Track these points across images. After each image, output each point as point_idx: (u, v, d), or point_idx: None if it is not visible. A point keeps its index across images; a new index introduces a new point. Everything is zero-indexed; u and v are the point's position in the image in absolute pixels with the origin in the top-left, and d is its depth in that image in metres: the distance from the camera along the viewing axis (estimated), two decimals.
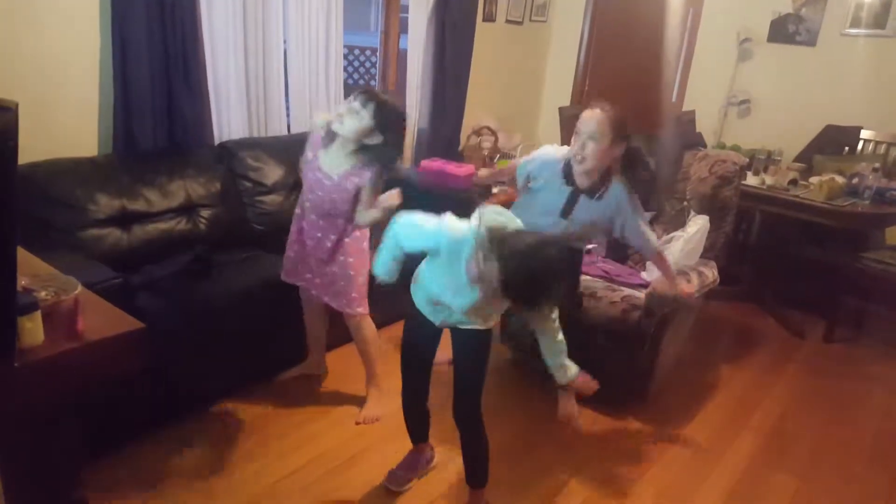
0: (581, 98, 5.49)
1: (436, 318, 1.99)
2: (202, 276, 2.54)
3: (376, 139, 2.32)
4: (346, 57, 8.91)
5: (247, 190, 3.13)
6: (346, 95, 4.02)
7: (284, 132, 3.58)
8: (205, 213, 2.92)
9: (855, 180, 3.61)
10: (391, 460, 2.37)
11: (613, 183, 2.38)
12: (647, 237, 2.45)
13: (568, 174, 2.41)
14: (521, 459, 2.49)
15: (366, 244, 2.54)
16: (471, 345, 2.00)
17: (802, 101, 4.44)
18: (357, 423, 2.62)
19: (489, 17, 4.77)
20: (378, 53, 4.47)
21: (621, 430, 2.74)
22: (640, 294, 2.83)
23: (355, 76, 9.11)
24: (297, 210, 2.59)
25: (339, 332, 3.10)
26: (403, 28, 4.32)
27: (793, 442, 2.77)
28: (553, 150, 2.50)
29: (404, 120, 2.41)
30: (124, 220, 2.63)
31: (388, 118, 2.31)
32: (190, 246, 2.70)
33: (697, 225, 3.01)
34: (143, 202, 2.70)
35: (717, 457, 2.63)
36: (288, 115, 3.65)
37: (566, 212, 2.42)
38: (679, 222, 3.19)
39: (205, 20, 3.02)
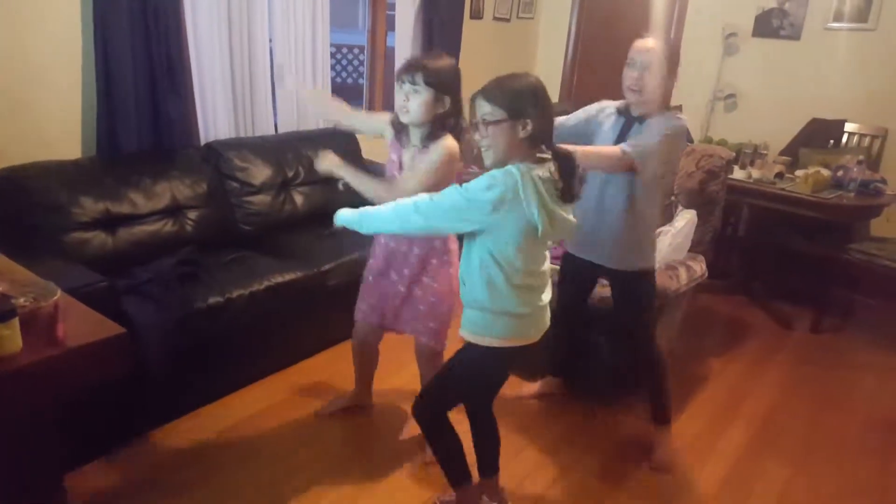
0: (570, 94, 5.50)
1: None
2: (190, 279, 2.52)
3: (446, 104, 2.07)
4: (333, 55, 8.91)
5: (234, 190, 3.12)
6: (334, 94, 4.05)
7: (272, 132, 3.56)
8: (192, 214, 2.90)
9: (840, 173, 3.63)
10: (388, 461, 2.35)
11: (669, 112, 2.27)
12: (639, 141, 2.20)
13: (623, 109, 2.33)
14: (519, 451, 2.50)
15: (454, 270, 2.22)
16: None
17: (788, 95, 4.46)
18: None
19: (476, 15, 4.76)
20: (366, 51, 4.46)
21: (616, 422, 2.75)
22: None
23: (343, 74, 9.10)
24: (380, 239, 2.39)
25: (321, 333, 3.10)
26: (391, 26, 4.31)
27: (784, 431, 2.79)
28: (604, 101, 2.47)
29: (458, 70, 2.13)
30: (109, 223, 2.61)
31: (444, 74, 2.05)
32: (177, 248, 2.69)
33: (685, 219, 3.02)
34: (129, 205, 2.68)
35: (709, 447, 2.64)
36: (275, 115, 3.63)
37: (617, 143, 2.24)
38: (667, 217, 3.19)
39: (189, 19, 3.00)
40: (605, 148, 2.23)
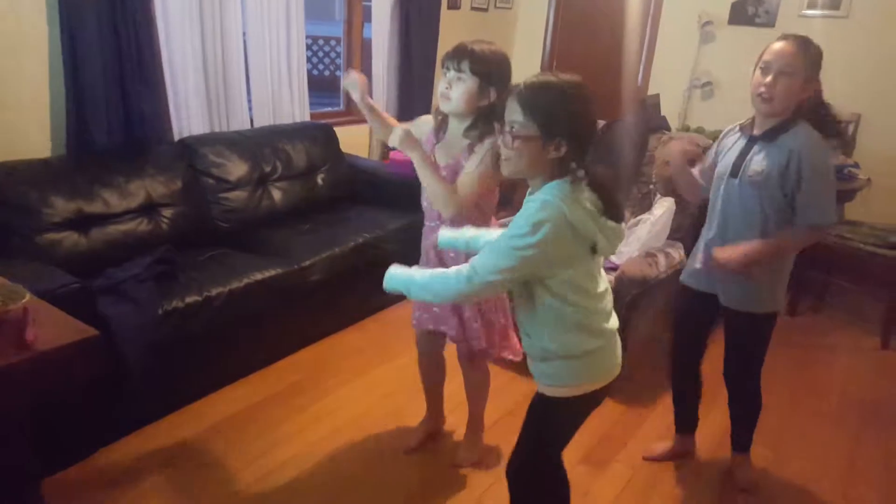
0: None
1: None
2: (168, 278, 2.48)
3: (492, 96, 1.90)
4: (310, 47, 8.85)
5: (210, 187, 3.08)
6: (311, 87, 4.03)
7: (247, 126, 3.52)
8: (167, 212, 2.86)
9: None
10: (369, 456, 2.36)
11: (799, 124, 1.98)
12: (815, 205, 1.95)
13: (746, 125, 2.08)
14: (502, 439, 2.50)
15: None
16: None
17: None
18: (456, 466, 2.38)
19: (454, 5, 4.74)
20: (342, 43, 4.42)
21: (599, 407, 2.75)
22: (610, 277, 2.84)
23: (320, 66, 9.02)
24: (425, 243, 2.20)
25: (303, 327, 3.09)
26: (368, 16, 4.27)
27: (763, 413, 2.80)
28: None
29: (508, 60, 1.97)
30: (82, 223, 2.56)
31: (492, 64, 1.89)
32: (153, 247, 2.64)
33: (663, 207, 3.04)
34: (101, 204, 2.63)
35: None
36: (250, 109, 3.59)
37: (737, 167, 2.04)
38: (646, 205, 3.21)
39: (159, 11, 2.94)
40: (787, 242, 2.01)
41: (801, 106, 1.98)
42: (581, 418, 1.69)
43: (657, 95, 4.29)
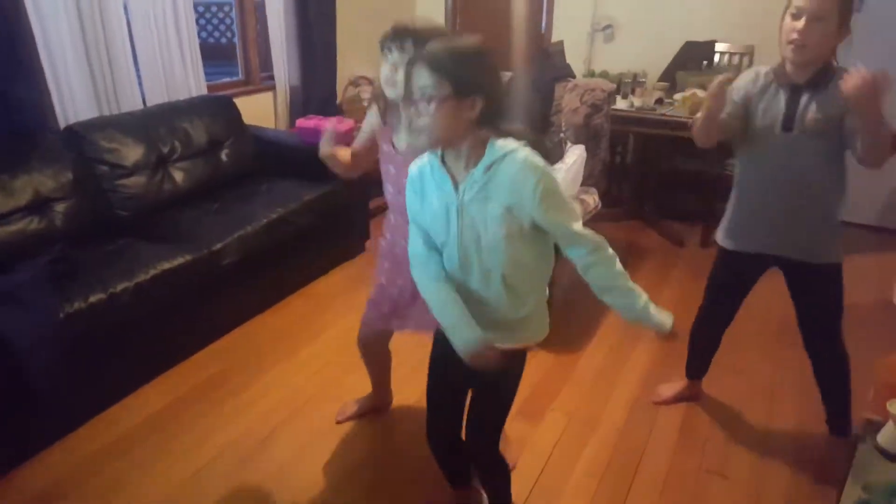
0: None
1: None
2: (67, 278, 2.33)
3: None
4: (203, 15, 8.41)
5: (105, 175, 2.89)
6: (208, 57, 3.81)
7: (139, 106, 3.30)
8: (59, 207, 2.68)
9: None
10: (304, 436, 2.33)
11: (840, 69, 1.87)
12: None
13: (780, 73, 1.95)
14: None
15: None
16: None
17: (661, 21, 4.56)
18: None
19: None
20: (233, 8, 4.19)
21: (528, 360, 2.80)
22: None
23: (216, 34, 8.60)
24: (386, 237, 2.09)
25: (224, 309, 3.00)
26: None
27: (684, 344, 2.91)
28: (753, 67, 2.10)
29: (449, 32, 1.90)
30: None
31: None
32: (48, 247, 2.47)
33: (575, 155, 3.06)
34: None
35: (617, 371, 2.77)
36: (141, 87, 3.37)
37: (788, 120, 1.93)
38: (558, 155, 3.23)
39: None
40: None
41: (835, 52, 1.88)
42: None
43: (561, 42, 4.31)
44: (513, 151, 1.41)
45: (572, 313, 3.15)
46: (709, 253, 3.86)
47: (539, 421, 2.47)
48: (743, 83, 2.03)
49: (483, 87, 1.38)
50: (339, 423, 2.43)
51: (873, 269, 3.69)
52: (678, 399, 2.56)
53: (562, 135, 3.29)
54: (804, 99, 1.90)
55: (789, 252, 2.07)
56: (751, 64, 4.35)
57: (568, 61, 4.09)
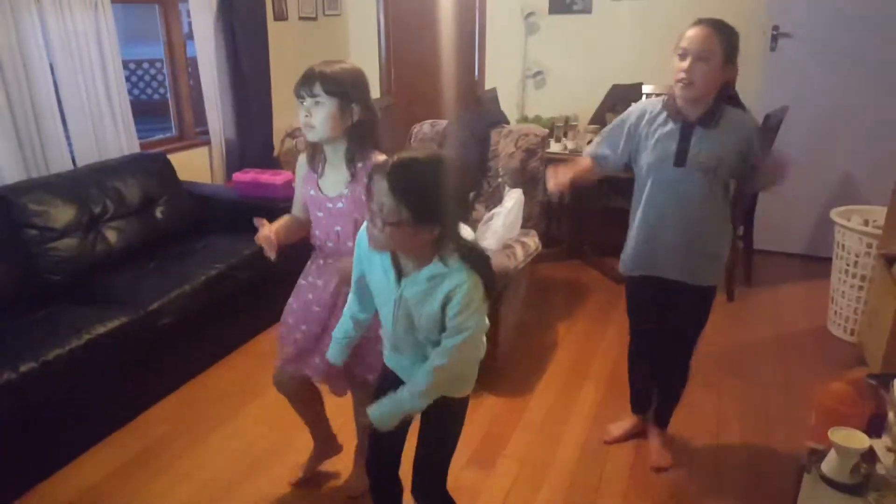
0: (390, 88, 5.49)
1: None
2: None
3: (356, 113, 1.85)
4: (134, 72, 8.32)
5: (33, 239, 2.79)
6: (142, 114, 3.76)
7: (69, 167, 3.22)
8: None
9: None
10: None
11: (728, 108, 2.02)
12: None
13: (671, 107, 2.07)
14: None
15: None
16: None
17: (588, 66, 4.76)
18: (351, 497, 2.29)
19: (280, 16, 4.61)
20: (164, 65, 4.16)
21: (477, 406, 2.80)
22: None
23: (148, 91, 8.50)
24: (308, 279, 2.08)
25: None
26: (192, 34, 4.05)
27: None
28: (642, 102, 2.24)
29: (362, 72, 1.91)
30: None
31: (345, 81, 1.84)
32: None
33: (513, 199, 3.13)
34: None
35: (567, 412, 2.78)
36: (70, 147, 3.29)
37: (681, 153, 2.03)
38: (497, 199, 3.29)
39: None
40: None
41: (725, 87, 2.01)
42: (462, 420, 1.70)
43: (494, 90, 4.43)
44: (457, 272, 1.44)
45: (519, 356, 3.18)
46: None
47: (491, 469, 2.45)
48: (634, 118, 2.15)
49: (442, 212, 1.39)
50: (292, 483, 2.35)
51: (805, 297, 3.83)
52: (628, 436, 2.59)
53: (499, 179, 3.36)
54: (696, 136, 2.02)
55: (671, 274, 2.21)
56: None
57: (502, 107, 4.20)
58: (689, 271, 2.18)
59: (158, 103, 8.00)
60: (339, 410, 2.36)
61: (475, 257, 1.48)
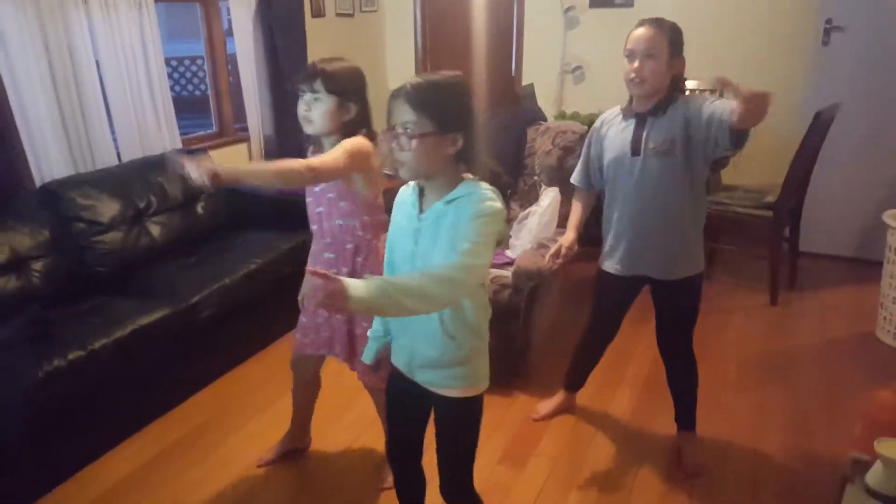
0: None
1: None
2: (43, 340, 2.30)
3: (352, 111, 1.94)
4: (176, 69, 8.48)
5: (81, 232, 2.88)
6: (185, 109, 3.83)
7: (114, 162, 3.30)
8: (37, 265, 2.67)
9: None
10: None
11: (679, 97, 2.13)
12: (720, 104, 2.03)
13: (627, 108, 2.21)
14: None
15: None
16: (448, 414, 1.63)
17: None
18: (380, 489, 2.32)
19: (318, 13, 4.65)
20: (205, 61, 4.24)
21: (509, 406, 2.80)
22: (507, 273, 2.89)
23: (189, 87, 8.66)
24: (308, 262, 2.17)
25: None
26: (231, 32, 4.11)
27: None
28: (603, 113, 2.34)
29: (361, 72, 2.02)
30: None
31: (345, 79, 1.93)
32: (25, 306, 2.45)
33: (549, 197, 3.11)
34: None
35: (601, 415, 2.76)
36: (116, 144, 3.38)
37: (636, 143, 2.14)
38: (533, 197, 3.28)
39: None
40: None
41: (675, 80, 2.12)
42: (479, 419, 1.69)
43: (531, 86, 4.40)
44: (481, 190, 1.45)
45: (553, 355, 3.15)
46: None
47: (522, 467, 2.45)
48: (596, 127, 2.31)
49: (463, 123, 1.43)
50: (260, 466, 2.44)
51: (853, 301, 3.72)
52: (556, 412, 2.72)
53: (536, 177, 3.35)
54: (647, 126, 2.12)
55: (651, 272, 2.27)
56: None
57: (539, 104, 4.18)
58: (664, 267, 2.23)
59: (198, 99, 8.17)
60: (340, 411, 2.39)
61: (494, 171, 1.51)
